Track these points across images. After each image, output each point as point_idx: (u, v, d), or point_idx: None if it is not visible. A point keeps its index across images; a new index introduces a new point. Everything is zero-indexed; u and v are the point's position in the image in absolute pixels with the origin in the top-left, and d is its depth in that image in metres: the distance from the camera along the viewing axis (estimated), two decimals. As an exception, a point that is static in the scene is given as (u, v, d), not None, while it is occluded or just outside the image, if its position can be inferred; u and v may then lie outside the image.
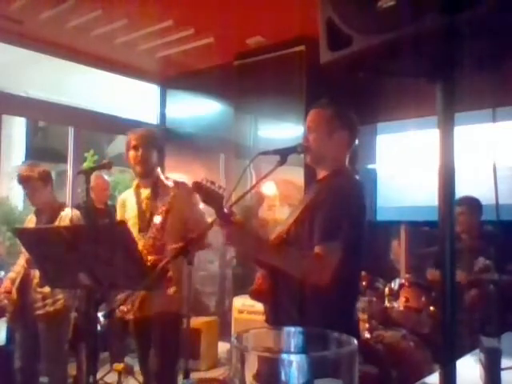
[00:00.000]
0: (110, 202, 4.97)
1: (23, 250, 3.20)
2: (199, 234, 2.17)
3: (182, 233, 2.64)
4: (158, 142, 2.82)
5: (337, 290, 1.68)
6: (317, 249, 1.70)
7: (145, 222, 2.69)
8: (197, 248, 2.67)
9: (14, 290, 3.09)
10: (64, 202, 3.50)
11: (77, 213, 3.13)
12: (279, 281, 1.80)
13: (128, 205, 2.83)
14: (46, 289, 3.00)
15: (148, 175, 2.75)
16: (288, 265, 1.75)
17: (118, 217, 2.88)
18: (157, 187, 2.74)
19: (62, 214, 3.14)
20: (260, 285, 1.89)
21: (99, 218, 4.18)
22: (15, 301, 3.07)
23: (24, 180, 3.12)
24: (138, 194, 2.79)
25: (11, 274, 3.22)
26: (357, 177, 1.91)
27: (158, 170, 2.81)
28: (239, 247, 1.84)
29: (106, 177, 4.82)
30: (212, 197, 1.73)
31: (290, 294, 1.78)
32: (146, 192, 2.77)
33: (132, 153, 2.74)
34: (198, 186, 1.75)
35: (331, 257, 1.68)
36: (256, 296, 1.92)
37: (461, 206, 3.50)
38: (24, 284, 3.09)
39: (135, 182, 2.85)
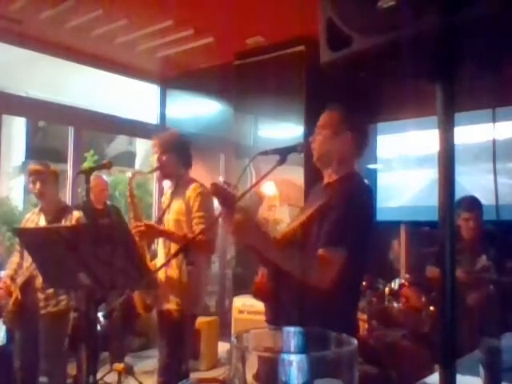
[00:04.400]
0: (109, 202, 4.98)
1: (18, 248, 3.22)
2: (199, 234, 2.18)
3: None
4: (175, 145, 2.91)
5: (339, 292, 1.68)
6: (321, 251, 1.70)
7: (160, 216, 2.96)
8: (206, 251, 2.81)
9: (17, 290, 3.08)
10: (68, 204, 3.52)
11: (82, 214, 3.15)
12: (281, 281, 1.80)
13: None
14: (50, 289, 3.01)
15: (168, 177, 2.97)
16: (290, 264, 1.74)
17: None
18: (178, 187, 2.91)
19: (70, 216, 3.15)
20: (262, 283, 1.89)
21: (98, 217, 4.18)
22: (19, 301, 3.07)
23: (35, 173, 3.13)
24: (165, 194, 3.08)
25: (9, 272, 3.22)
26: (366, 181, 1.92)
27: (182, 170, 2.93)
28: (247, 241, 1.86)
29: (104, 177, 4.82)
30: (228, 198, 1.74)
31: (291, 295, 1.78)
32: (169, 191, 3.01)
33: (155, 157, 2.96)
34: (216, 189, 1.76)
35: (334, 261, 1.68)
36: (258, 294, 1.92)
37: (471, 212, 3.44)
38: (28, 284, 3.09)
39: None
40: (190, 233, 2.68)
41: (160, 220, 2.92)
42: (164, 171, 2.91)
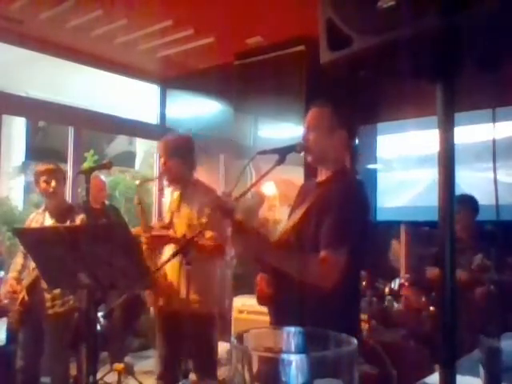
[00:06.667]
0: (107, 202, 4.98)
1: (22, 248, 3.22)
2: (195, 236, 2.20)
3: None
4: (180, 149, 2.85)
5: (341, 291, 1.68)
6: (323, 253, 1.70)
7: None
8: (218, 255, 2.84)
9: (24, 291, 3.08)
10: (71, 204, 3.52)
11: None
12: (282, 285, 1.80)
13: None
14: (56, 289, 3.01)
15: (175, 182, 2.89)
16: (294, 269, 1.73)
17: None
18: (186, 190, 2.87)
19: (76, 217, 3.15)
20: (262, 290, 1.89)
21: (96, 217, 4.18)
22: (25, 301, 3.07)
23: (49, 173, 3.13)
24: (172, 196, 3.00)
25: (13, 274, 3.22)
26: (358, 177, 1.92)
27: (188, 173, 2.88)
28: (246, 251, 1.88)
29: (102, 177, 4.82)
30: (228, 211, 1.76)
31: (293, 298, 1.77)
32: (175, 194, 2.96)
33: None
34: (216, 204, 1.80)
35: (338, 261, 1.68)
36: (261, 301, 1.93)
37: (457, 205, 3.46)
38: (34, 285, 3.09)
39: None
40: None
41: (170, 223, 2.87)
42: (171, 177, 2.86)
